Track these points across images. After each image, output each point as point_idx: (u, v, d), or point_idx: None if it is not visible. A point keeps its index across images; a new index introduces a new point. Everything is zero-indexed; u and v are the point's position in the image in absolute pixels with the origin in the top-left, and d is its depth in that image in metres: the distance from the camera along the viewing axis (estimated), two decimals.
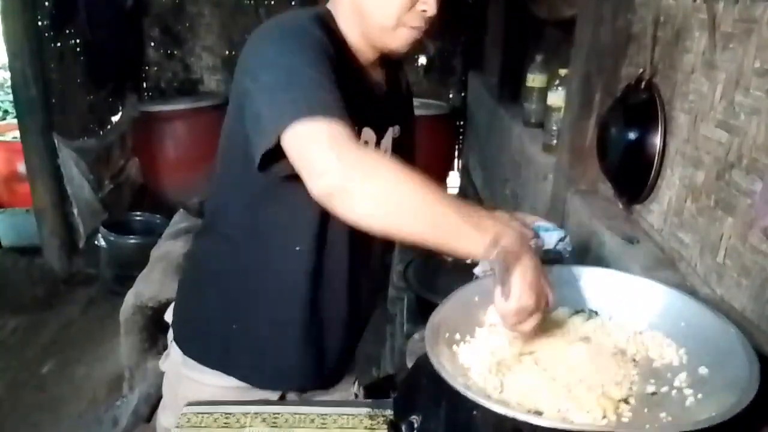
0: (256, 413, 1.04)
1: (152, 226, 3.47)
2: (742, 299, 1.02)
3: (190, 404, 1.08)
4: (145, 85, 4.44)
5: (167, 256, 2.52)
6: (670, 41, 1.32)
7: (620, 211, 1.50)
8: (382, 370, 2.18)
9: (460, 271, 1.16)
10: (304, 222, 1.03)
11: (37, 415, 2.49)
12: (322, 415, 1.04)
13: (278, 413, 1.04)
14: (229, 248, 1.10)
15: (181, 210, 3.04)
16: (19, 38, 3.13)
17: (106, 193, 3.72)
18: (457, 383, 0.73)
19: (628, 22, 1.53)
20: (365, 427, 1.01)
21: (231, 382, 1.13)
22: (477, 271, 0.81)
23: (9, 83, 3.63)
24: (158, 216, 3.59)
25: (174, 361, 1.19)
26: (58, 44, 3.47)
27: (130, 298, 2.38)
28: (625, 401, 0.77)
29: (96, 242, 3.41)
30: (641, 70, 1.39)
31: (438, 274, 1.43)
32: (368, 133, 1.05)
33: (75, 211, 3.43)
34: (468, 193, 3.78)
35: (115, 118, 4.14)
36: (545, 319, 0.85)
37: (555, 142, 1.94)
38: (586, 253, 1.45)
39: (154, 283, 2.37)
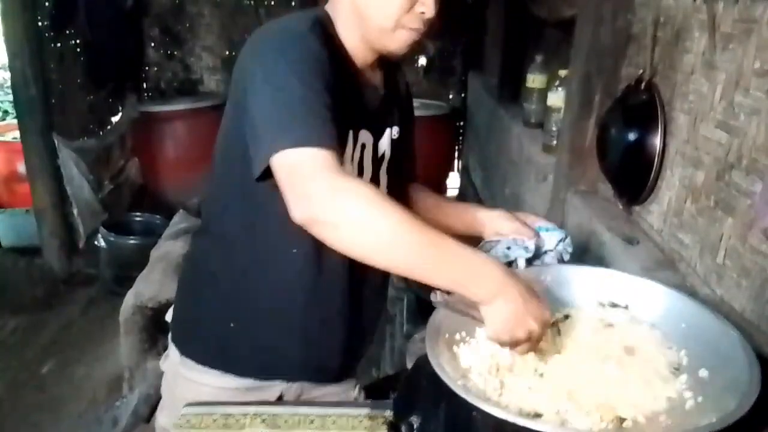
0: (255, 414, 1.04)
1: (152, 227, 3.48)
2: (742, 300, 1.02)
3: (189, 405, 1.08)
4: (145, 85, 4.44)
5: (167, 257, 2.52)
6: (670, 41, 1.32)
7: (620, 212, 1.50)
8: (382, 371, 2.19)
9: None
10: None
11: (37, 415, 2.49)
12: (321, 415, 1.04)
13: (277, 414, 1.04)
14: (226, 249, 1.10)
15: (181, 210, 3.04)
16: (19, 38, 3.13)
17: (105, 193, 3.71)
18: (456, 385, 0.73)
19: (628, 23, 1.53)
20: (365, 428, 1.01)
21: (229, 382, 1.13)
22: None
23: (9, 83, 3.63)
24: (158, 216, 3.59)
25: (172, 361, 1.19)
26: (58, 44, 3.47)
27: (130, 299, 2.38)
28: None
29: (96, 242, 3.41)
30: (641, 70, 1.39)
31: None
32: (365, 135, 1.05)
33: (75, 211, 3.43)
34: (468, 194, 3.78)
35: (115, 119, 4.14)
36: (545, 335, 0.86)
37: (555, 142, 1.94)
38: (586, 254, 1.45)
39: (154, 284, 2.37)
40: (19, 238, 3.63)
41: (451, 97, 4.43)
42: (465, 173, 4.11)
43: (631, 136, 1.38)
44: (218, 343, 1.13)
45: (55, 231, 3.43)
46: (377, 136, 1.08)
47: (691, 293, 1.04)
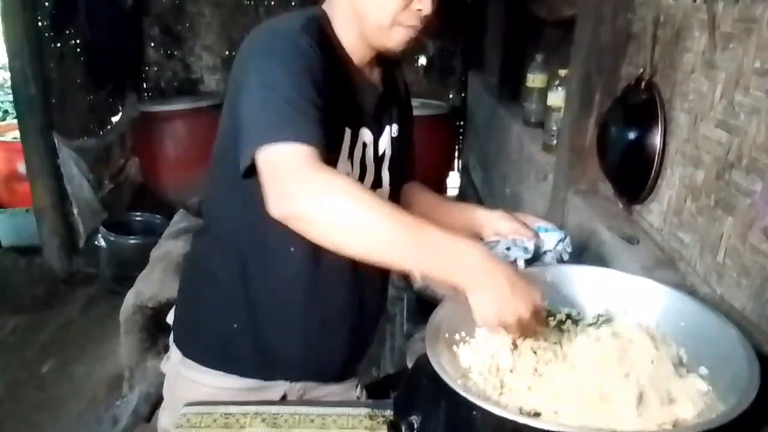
0: (255, 413, 1.04)
1: (152, 226, 3.47)
2: (742, 299, 1.02)
3: (189, 404, 1.08)
4: (145, 85, 4.44)
5: (167, 256, 2.52)
6: (670, 41, 1.32)
7: (620, 211, 1.50)
8: (382, 370, 2.18)
9: None
10: None
11: (37, 414, 2.49)
12: (321, 415, 1.04)
13: (278, 413, 1.04)
14: (226, 249, 1.10)
15: (181, 210, 3.04)
16: (19, 38, 3.13)
17: (106, 192, 3.71)
18: (456, 384, 0.73)
19: (628, 22, 1.52)
20: (365, 427, 1.01)
21: (230, 382, 1.13)
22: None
23: (9, 83, 3.63)
24: (158, 216, 3.59)
25: (174, 362, 1.19)
26: (58, 44, 3.47)
27: (130, 298, 2.38)
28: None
29: (96, 242, 3.41)
30: (641, 69, 1.39)
31: None
32: (365, 133, 1.05)
33: (75, 210, 3.43)
34: (468, 193, 3.78)
35: (115, 118, 4.14)
36: (539, 317, 0.86)
37: (555, 141, 1.94)
38: (586, 253, 1.45)
39: (154, 283, 2.37)
40: (19, 238, 3.63)
41: (451, 96, 4.43)
42: (465, 173, 4.11)
43: (631, 136, 1.38)
44: (219, 343, 1.13)
45: (55, 230, 3.43)
46: (377, 135, 1.09)
47: (691, 292, 1.04)
